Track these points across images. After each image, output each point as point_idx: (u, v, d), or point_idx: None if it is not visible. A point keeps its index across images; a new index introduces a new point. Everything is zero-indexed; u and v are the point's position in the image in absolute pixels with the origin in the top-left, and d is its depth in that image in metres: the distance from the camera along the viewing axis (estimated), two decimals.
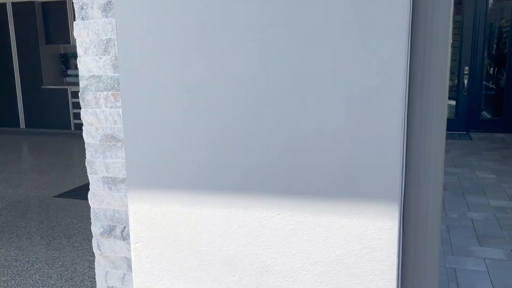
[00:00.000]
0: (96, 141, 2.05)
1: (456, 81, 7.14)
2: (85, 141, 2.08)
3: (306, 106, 1.16)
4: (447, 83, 1.11)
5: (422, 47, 1.09)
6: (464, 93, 7.05)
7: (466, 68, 6.96)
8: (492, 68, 7.36)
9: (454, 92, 7.22)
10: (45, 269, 3.05)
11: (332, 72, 1.12)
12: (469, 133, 7.09)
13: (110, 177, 2.05)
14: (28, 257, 3.23)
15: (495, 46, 7.14)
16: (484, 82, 7.46)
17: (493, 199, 4.08)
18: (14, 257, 3.23)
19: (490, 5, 7.39)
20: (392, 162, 1.13)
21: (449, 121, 7.26)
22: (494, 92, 7.31)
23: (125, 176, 2.01)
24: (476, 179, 4.69)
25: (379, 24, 1.07)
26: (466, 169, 5.10)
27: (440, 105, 1.12)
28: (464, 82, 7.02)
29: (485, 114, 7.50)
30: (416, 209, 1.17)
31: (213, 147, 1.24)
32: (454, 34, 8.16)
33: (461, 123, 7.16)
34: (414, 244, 1.18)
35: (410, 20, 1.07)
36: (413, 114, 1.13)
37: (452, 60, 9.01)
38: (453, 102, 7.24)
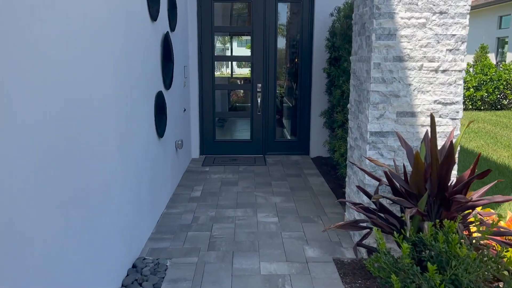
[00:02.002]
0: None
1: (249, 100, 6.44)
2: None
3: None
4: None
5: None
6: (258, 113, 6.38)
7: (259, 85, 6.30)
8: (290, 85, 6.91)
9: (249, 112, 6.52)
10: None
11: None
12: (266, 156, 6.45)
13: None
14: None
15: (294, 62, 6.67)
16: (286, 101, 6.98)
17: (267, 260, 3.18)
18: None
19: (287, 19, 6.94)
20: None
21: (244, 143, 6.51)
22: (291, 111, 6.87)
23: None
24: (255, 226, 3.81)
25: None
26: (248, 210, 4.22)
27: None
28: (257, 101, 6.35)
29: (286, 134, 7.01)
30: None
31: None
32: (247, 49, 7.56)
33: (257, 146, 6.48)
34: None
35: None
36: None
37: (242, 78, 8.49)
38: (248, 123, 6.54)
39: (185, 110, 5.58)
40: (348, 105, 3.74)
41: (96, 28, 2.41)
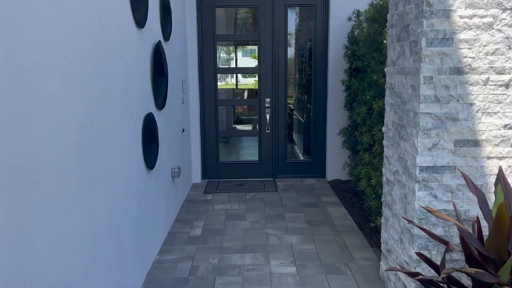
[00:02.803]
0: None
1: (257, 113, 5.71)
2: None
3: None
4: None
5: None
6: (267, 131, 5.65)
7: (267, 100, 5.58)
8: (300, 97, 6.19)
9: (256, 129, 5.79)
10: None
11: None
12: (276, 179, 5.70)
13: None
14: None
15: (304, 71, 5.96)
16: (295, 114, 6.26)
17: None
18: None
19: (296, 25, 6.25)
20: None
21: (252, 165, 5.77)
22: (303, 126, 6.14)
23: None
24: (268, 281, 3.05)
25: None
26: (259, 255, 3.47)
27: None
28: (266, 118, 5.62)
29: (298, 153, 6.28)
30: None
31: None
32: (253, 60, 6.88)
33: (266, 168, 5.73)
34: None
35: None
36: None
37: (246, 90, 7.77)
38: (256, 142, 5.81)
39: (184, 130, 4.87)
40: (383, 128, 2.99)
41: (48, 40, 1.70)
